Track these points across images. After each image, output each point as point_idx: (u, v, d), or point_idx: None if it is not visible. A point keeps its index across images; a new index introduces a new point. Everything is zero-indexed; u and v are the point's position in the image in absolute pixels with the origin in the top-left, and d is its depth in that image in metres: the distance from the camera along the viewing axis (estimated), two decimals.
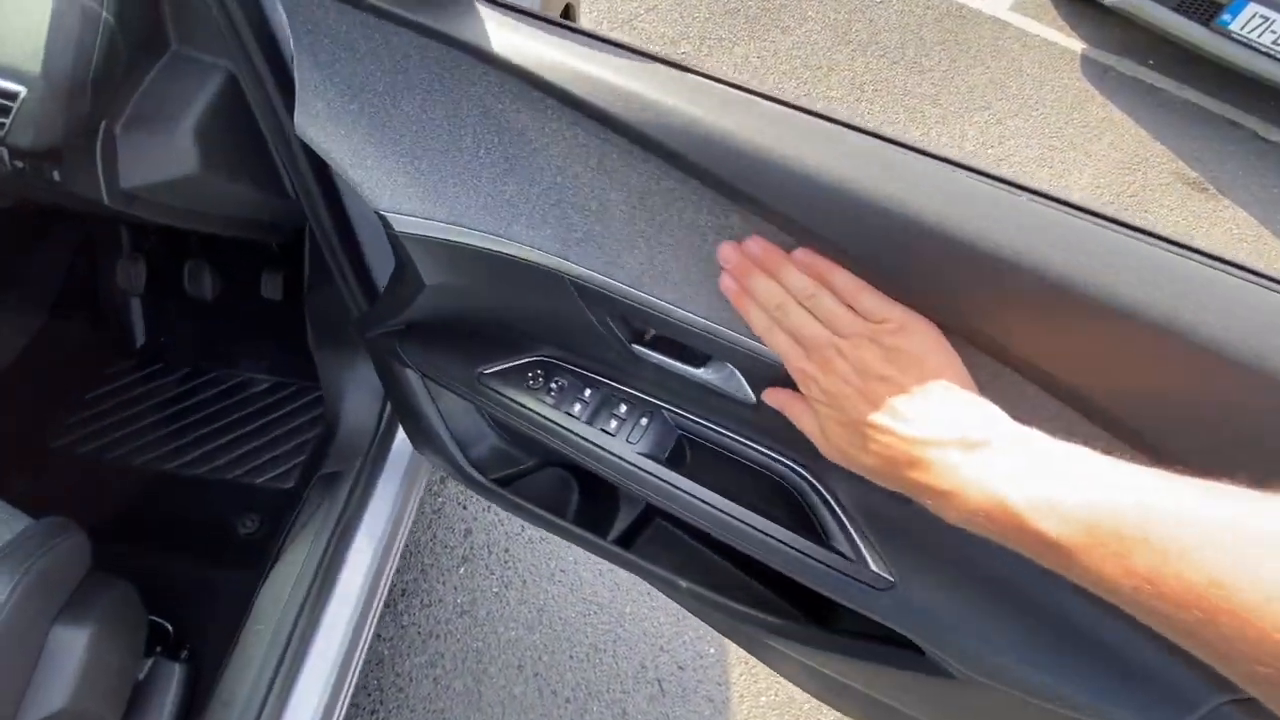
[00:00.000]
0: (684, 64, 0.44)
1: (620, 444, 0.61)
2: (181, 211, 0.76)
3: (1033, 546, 0.32)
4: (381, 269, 0.89)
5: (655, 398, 0.63)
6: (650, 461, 0.60)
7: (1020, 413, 0.38)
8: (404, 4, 0.46)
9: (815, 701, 1.36)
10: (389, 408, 1.07)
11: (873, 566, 0.52)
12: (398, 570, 1.36)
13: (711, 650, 1.36)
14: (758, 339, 0.49)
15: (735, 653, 1.36)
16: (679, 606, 1.19)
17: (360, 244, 0.85)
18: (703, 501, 0.59)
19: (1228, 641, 0.25)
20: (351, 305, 0.93)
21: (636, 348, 0.57)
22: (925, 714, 0.65)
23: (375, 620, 0.98)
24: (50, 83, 0.59)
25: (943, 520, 0.38)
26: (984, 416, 0.37)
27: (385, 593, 1.01)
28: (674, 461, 0.62)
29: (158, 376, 1.21)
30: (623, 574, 1.46)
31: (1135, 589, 0.27)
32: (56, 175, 0.67)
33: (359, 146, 0.53)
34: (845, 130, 0.41)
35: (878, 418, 0.38)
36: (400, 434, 1.07)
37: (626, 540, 0.85)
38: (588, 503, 0.92)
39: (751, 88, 0.43)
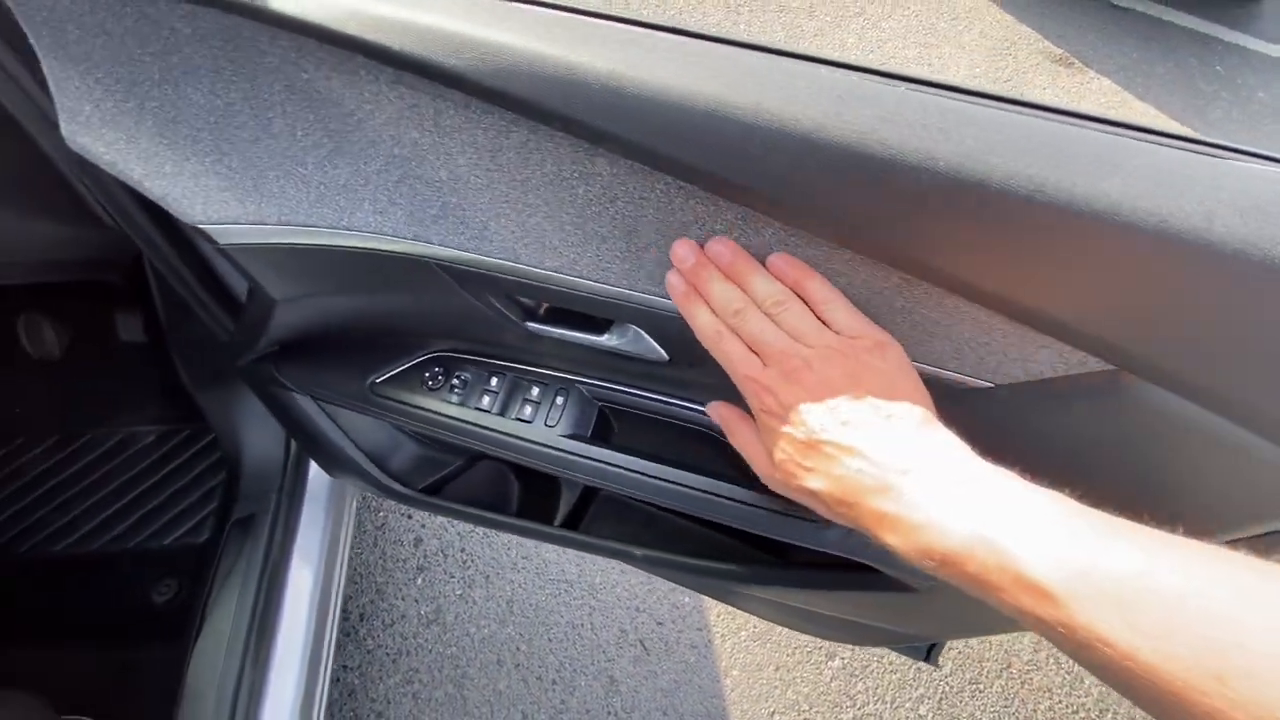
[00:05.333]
0: None
1: (539, 430, 0.57)
2: None
3: (1012, 592, 0.29)
4: (243, 283, 0.79)
5: (567, 372, 0.58)
6: (576, 442, 0.56)
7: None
8: None
9: None
10: None
11: None
12: (350, 597, 1.29)
13: (687, 599, 1.36)
14: (659, 297, 0.45)
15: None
16: None
17: (210, 260, 0.74)
18: (636, 473, 0.55)
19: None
20: (219, 332, 0.82)
21: (533, 326, 0.52)
22: (884, 621, 0.66)
23: (330, 658, 0.92)
24: None
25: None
26: (962, 452, 0.34)
27: (335, 626, 0.95)
28: (601, 436, 0.58)
29: (20, 454, 1.06)
30: None
31: (1134, 648, 0.26)
32: None
33: (150, 151, 0.44)
34: (704, 43, 0.37)
35: (848, 437, 0.35)
36: None
37: (573, 521, 0.82)
38: (529, 490, 0.87)
39: (590, 9, 0.37)
